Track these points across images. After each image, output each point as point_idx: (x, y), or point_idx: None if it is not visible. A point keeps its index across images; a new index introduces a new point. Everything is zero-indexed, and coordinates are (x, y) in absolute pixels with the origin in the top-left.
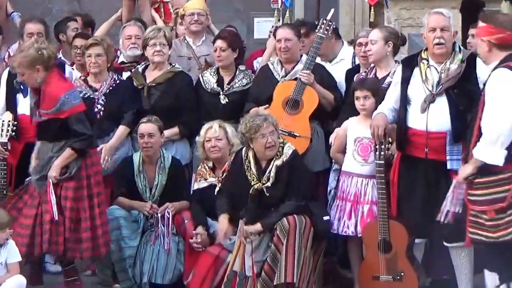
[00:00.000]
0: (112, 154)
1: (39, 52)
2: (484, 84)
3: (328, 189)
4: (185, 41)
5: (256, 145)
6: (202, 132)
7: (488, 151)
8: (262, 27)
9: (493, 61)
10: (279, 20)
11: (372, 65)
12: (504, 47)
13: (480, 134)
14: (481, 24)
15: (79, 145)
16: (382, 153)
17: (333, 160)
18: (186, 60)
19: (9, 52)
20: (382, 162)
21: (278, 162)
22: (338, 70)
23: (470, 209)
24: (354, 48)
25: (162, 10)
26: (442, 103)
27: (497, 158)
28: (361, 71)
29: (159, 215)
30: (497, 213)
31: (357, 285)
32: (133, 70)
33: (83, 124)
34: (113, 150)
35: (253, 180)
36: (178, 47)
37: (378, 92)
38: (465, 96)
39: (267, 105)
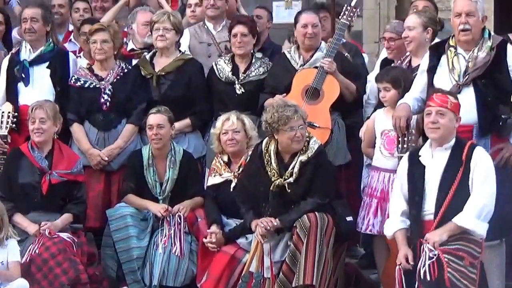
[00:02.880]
0: (115, 157)
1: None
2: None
3: (362, 186)
4: (205, 26)
5: (282, 137)
6: (219, 124)
7: (477, 223)
8: (281, 11)
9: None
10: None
11: (407, 53)
12: None
13: (455, 200)
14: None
15: (78, 210)
16: (405, 145)
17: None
18: (206, 46)
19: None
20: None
21: (303, 157)
22: None
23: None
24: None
25: None
26: (468, 94)
27: (484, 230)
28: (395, 62)
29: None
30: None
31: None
32: (140, 58)
33: (84, 190)
34: (117, 151)
35: (274, 175)
36: (198, 32)
37: (400, 83)
38: (494, 86)
39: (285, 94)
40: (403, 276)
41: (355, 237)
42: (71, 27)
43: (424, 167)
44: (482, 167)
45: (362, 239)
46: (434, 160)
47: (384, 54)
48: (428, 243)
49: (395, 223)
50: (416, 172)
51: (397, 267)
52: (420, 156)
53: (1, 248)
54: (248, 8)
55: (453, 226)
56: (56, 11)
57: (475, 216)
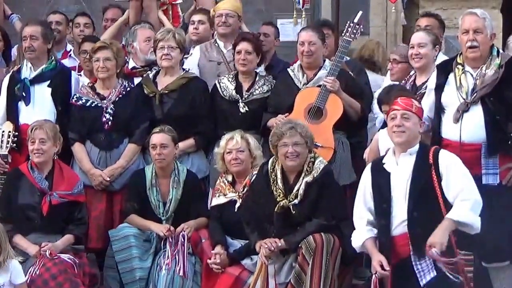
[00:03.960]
0: (117, 177)
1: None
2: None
3: None
4: (216, 44)
5: (279, 154)
6: (223, 143)
7: (474, 216)
8: (286, 29)
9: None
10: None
11: (412, 72)
12: None
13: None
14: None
15: (79, 231)
16: None
17: None
18: (215, 65)
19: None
20: None
21: (308, 178)
22: None
23: None
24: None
25: (170, 12)
26: (476, 112)
27: (479, 224)
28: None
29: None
30: None
31: None
32: (143, 76)
33: (85, 211)
34: (118, 171)
35: (279, 196)
36: (208, 50)
37: None
38: (502, 104)
39: (287, 113)
40: (378, 285)
41: (361, 258)
42: (69, 47)
43: (389, 174)
44: (456, 167)
45: (364, 259)
46: (400, 167)
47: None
48: (435, 247)
49: (362, 233)
50: (381, 180)
51: (373, 276)
52: (384, 163)
53: (2, 271)
54: (253, 26)
55: (450, 224)
56: (54, 28)
57: (470, 209)
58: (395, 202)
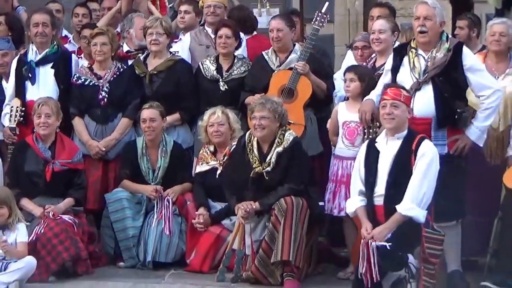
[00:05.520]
0: (112, 147)
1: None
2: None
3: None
4: (205, 30)
5: (252, 125)
6: (206, 117)
7: (418, 211)
8: (262, 18)
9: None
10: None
11: (373, 55)
12: None
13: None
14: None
15: (78, 195)
16: (370, 136)
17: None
18: (205, 48)
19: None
20: None
21: (279, 149)
22: None
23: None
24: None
25: (158, 3)
26: (427, 90)
27: (423, 217)
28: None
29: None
30: None
31: (352, 263)
32: (135, 59)
33: (84, 177)
34: (113, 143)
35: (255, 163)
36: (198, 36)
37: (365, 78)
38: (450, 83)
39: (263, 94)
40: (365, 248)
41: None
42: (64, 32)
43: (378, 152)
44: (427, 158)
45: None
46: (388, 147)
47: (349, 60)
48: (375, 241)
49: (354, 202)
50: (372, 157)
51: (362, 241)
52: (376, 142)
53: (11, 231)
54: None
55: (398, 217)
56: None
57: (417, 204)
58: (379, 178)
